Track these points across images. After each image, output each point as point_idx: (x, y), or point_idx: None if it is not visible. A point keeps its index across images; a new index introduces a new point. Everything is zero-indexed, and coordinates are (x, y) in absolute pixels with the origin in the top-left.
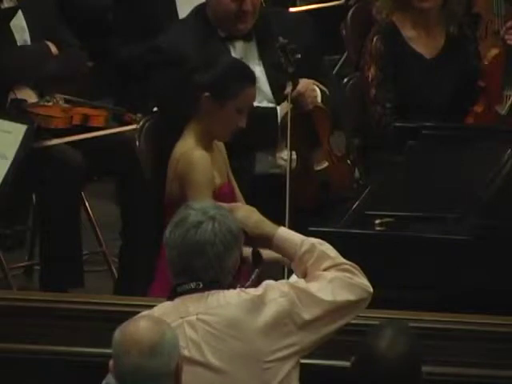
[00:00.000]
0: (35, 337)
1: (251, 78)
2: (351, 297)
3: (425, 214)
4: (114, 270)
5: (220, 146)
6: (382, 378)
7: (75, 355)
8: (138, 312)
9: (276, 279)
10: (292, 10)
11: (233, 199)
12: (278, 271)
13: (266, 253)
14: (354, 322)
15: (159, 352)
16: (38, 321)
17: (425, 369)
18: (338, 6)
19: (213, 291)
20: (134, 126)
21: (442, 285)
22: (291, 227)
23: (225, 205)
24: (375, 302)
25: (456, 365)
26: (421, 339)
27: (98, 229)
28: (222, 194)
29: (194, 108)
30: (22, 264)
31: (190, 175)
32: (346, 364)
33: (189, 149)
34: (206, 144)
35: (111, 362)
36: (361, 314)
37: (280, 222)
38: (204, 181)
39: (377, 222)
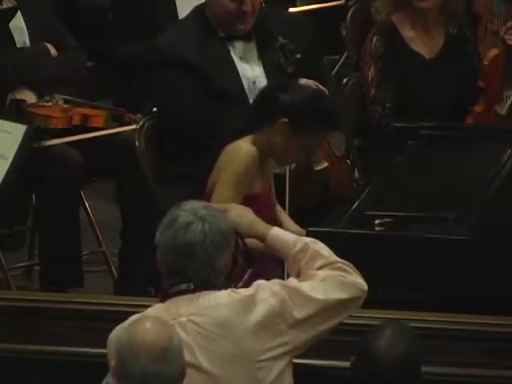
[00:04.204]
0: (35, 337)
1: (335, 124)
2: (344, 295)
3: (425, 214)
4: (114, 270)
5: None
6: (381, 378)
7: (75, 355)
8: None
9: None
10: (292, 10)
11: (270, 210)
12: (278, 272)
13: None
14: (353, 322)
15: (169, 357)
16: (38, 321)
17: (425, 369)
18: (338, 6)
19: (204, 292)
20: (133, 126)
21: (442, 285)
22: None
23: (219, 205)
24: (375, 302)
25: (456, 365)
26: (421, 339)
27: (97, 229)
28: (259, 201)
29: (263, 122)
30: (21, 264)
31: (228, 167)
32: (346, 364)
33: (242, 142)
34: (261, 153)
35: (113, 363)
36: (361, 314)
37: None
38: (235, 179)
39: (377, 222)
